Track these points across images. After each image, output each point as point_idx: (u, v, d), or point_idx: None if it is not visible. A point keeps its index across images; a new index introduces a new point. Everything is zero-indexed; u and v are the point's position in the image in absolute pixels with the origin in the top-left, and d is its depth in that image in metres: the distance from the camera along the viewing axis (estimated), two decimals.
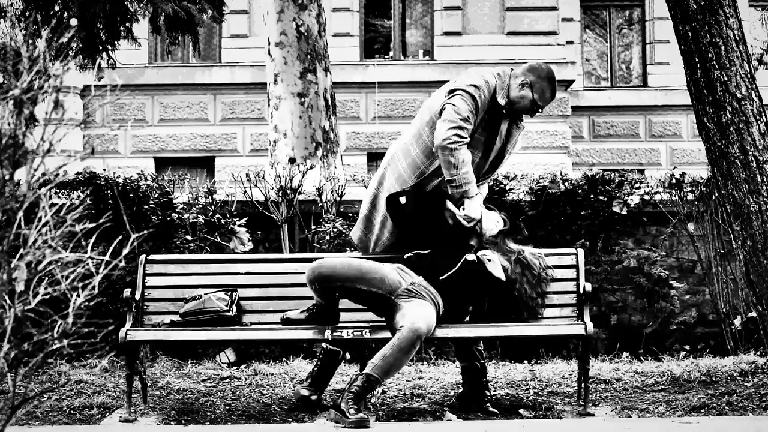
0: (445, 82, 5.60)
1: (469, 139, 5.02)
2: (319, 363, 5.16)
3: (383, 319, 4.89)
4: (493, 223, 5.09)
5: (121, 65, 10.41)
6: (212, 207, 7.14)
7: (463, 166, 4.99)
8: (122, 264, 6.08)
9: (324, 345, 5.20)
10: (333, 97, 9.60)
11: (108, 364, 6.16)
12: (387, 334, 4.77)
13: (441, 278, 4.85)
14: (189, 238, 6.94)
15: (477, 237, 5.08)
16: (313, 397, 5.08)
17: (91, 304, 2.55)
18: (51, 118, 2.46)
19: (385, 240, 5.21)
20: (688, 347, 7.18)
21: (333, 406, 4.61)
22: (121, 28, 8.94)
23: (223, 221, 7.07)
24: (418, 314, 4.66)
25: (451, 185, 5.04)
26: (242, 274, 5.33)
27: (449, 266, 4.91)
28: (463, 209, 5.06)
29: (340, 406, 4.52)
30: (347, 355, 5.18)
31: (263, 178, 7.32)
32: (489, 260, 5.00)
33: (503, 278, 4.95)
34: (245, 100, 16.13)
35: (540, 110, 5.24)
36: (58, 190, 6.67)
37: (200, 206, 7.14)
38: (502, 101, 5.10)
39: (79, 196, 6.65)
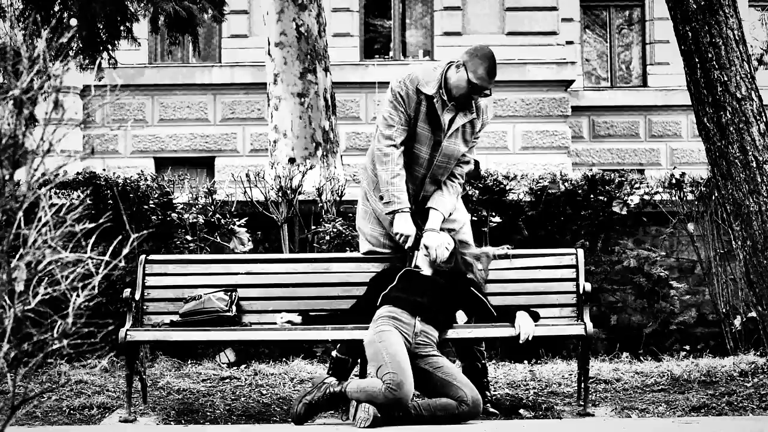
0: None
1: (397, 140, 5.04)
2: (330, 372, 5.15)
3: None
4: (442, 248, 5.01)
5: (121, 65, 10.42)
6: (212, 207, 7.14)
7: (392, 182, 5.02)
8: (122, 264, 6.09)
9: (333, 354, 5.20)
10: (333, 97, 9.60)
11: (108, 364, 6.16)
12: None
13: (384, 293, 4.86)
14: (189, 238, 6.94)
15: (430, 265, 5.04)
16: None
17: (91, 304, 2.55)
18: (51, 118, 2.46)
19: (378, 235, 5.25)
20: (688, 347, 7.19)
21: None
22: (122, 28, 8.93)
23: (223, 221, 7.07)
24: (471, 385, 4.67)
25: (383, 201, 5.09)
26: (242, 274, 5.33)
27: (390, 280, 4.95)
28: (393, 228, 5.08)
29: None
30: (358, 361, 5.17)
31: (263, 178, 7.32)
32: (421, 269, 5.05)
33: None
34: (245, 100, 16.12)
35: (482, 92, 5.01)
36: (58, 190, 6.67)
37: (200, 206, 7.14)
38: (430, 91, 5.02)
39: (79, 196, 6.65)
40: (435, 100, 5.03)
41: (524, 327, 4.84)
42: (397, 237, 5.06)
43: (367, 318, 4.92)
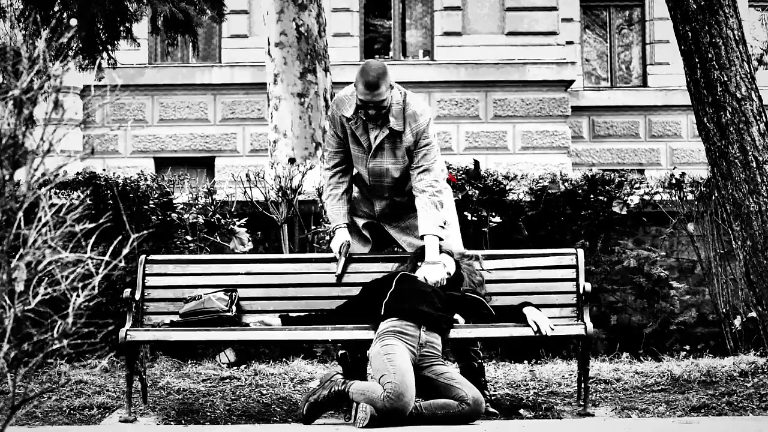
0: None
1: (328, 163, 5.25)
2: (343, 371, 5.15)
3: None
4: (443, 280, 4.98)
5: (121, 65, 10.41)
6: (212, 207, 7.14)
7: (326, 203, 5.29)
8: (122, 264, 6.08)
9: (336, 354, 5.21)
10: (333, 97, 9.60)
11: (108, 364, 6.16)
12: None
13: (384, 301, 4.83)
14: (189, 238, 6.94)
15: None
16: None
17: (91, 304, 2.55)
18: (51, 118, 2.46)
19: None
20: (688, 347, 7.18)
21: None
22: (121, 28, 8.93)
23: (222, 221, 7.07)
24: (471, 385, 4.65)
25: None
26: (242, 274, 5.33)
27: (386, 289, 4.93)
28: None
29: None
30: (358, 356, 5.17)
31: (263, 178, 7.32)
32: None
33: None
34: (245, 100, 16.13)
35: (375, 106, 4.94)
36: (58, 190, 6.67)
37: (200, 206, 7.14)
38: (348, 113, 5.07)
39: (79, 196, 6.65)
40: (352, 121, 5.08)
41: (541, 322, 4.83)
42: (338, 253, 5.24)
43: (354, 319, 4.92)
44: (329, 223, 5.43)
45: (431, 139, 5.11)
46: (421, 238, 5.07)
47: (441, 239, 5.06)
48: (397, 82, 5.20)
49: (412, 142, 5.07)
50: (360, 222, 5.32)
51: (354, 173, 5.33)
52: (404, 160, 5.11)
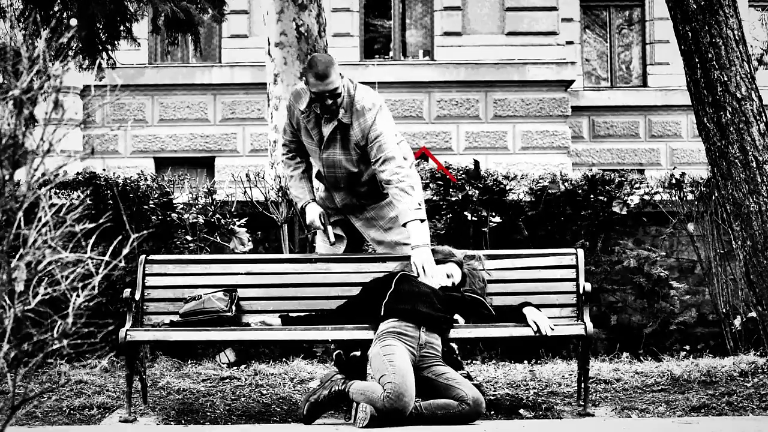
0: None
1: (289, 150, 5.36)
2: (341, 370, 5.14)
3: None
4: (430, 263, 4.97)
5: (121, 65, 10.41)
6: (212, 207, 7.14)
7: (289, 186, 5.42)
8: (122, 264, 6.09)
9: (333, 355, 5.21)
10: None
11: (108, 364, 6.16)
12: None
13: (384, 302, 4.82)
14: (189, 238, 6.94)
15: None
16: None
17: (91, 304, 2.55)
18: (51, 118, 2.46)
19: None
20: (688, 347, 7.19)
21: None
22: (121, 28, 8.92)
23: (223, 221, 7.07)
24: (471, 385, 4.65)
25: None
26: (242, 274, 5.33)
27: (385, 289, 4.91)
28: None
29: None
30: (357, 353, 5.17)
31: (263, 178, 7.33)
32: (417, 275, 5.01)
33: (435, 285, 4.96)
34: (245, 100, 16.12)
35: (329, 97, 5.00)
36: (58, 190, 6.67)
37: (200, 206, 7.14)
38: (302, 106, 5.14)
39: (79, 196, 6.65)
40: (305, 115, 5.15)
41: (540, 322, 4.82)
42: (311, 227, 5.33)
43: (354, 320, 4.92)
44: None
45: (380, 129, 5.08)
46: (404, 225, 5.06)
47: (423, 220, 5.04)
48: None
49: (360, 138, 5.12)
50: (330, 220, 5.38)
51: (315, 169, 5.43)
52: (356, 153, 5.15)
